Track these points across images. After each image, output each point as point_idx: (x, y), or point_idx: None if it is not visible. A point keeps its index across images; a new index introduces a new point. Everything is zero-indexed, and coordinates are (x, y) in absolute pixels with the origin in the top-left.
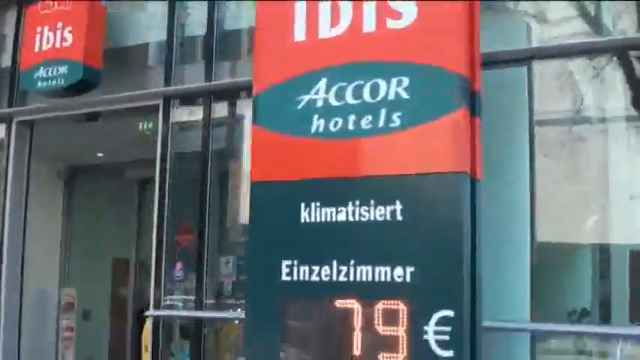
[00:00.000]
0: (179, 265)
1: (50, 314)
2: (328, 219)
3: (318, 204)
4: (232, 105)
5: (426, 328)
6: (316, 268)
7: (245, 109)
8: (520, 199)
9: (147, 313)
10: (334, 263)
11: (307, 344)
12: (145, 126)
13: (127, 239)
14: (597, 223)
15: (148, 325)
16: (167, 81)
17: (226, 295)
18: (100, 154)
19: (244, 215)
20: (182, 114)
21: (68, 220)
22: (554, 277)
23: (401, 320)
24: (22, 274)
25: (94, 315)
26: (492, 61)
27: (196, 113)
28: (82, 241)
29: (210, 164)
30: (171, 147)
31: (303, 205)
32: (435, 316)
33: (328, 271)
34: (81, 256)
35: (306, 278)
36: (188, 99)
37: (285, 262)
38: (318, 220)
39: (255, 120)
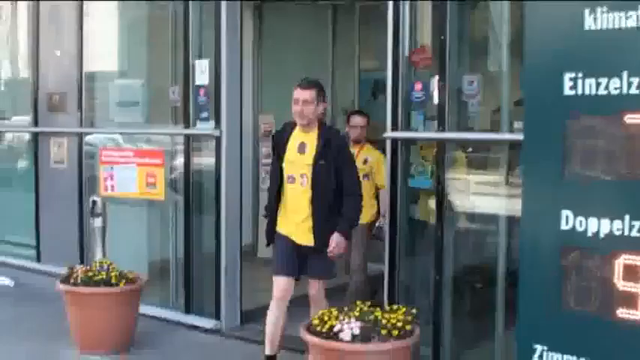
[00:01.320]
0: (418, 86)
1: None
2: (617, 25)
3: (604, 9)
4: None
5: None
6: (604, 81)
7: None
8: None
9: (385, 135)
10: (624, 75)
11: (593, 163)
12: None
13: (320, 67)
14: None
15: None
16: None
17: (470, 116)
18: None
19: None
20: None
21: (259, 48)
22: None
23: None
24: (241, 102)
25: None
26: None
27: None
28: (272, 70)
29: None
30: None
31: (587, 10)
32: None
33: (618, 84)
34: (272, 85)
35: (593, 92)
36: None
37: (568, 75)
38: (604, 26)
39: None
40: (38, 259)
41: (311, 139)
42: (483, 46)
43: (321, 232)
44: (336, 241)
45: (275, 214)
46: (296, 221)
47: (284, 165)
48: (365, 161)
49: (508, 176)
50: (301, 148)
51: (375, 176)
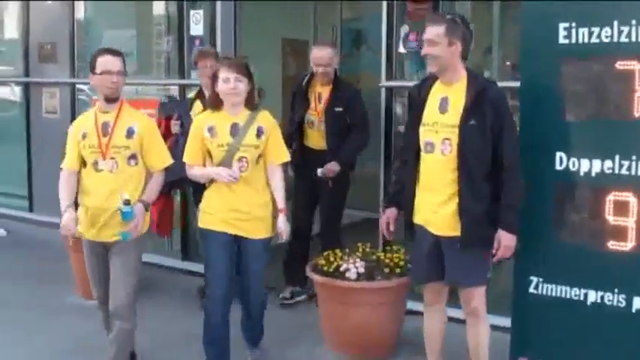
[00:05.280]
0: (412, 36)
1: None
2: None
3: None
4: None
5: None
6: (596, 30)
7: None
8: None
9: (381, 85)
10: (615, 23)
11: (585, 106)
12: None
13: (301, 18)
14: None
15: None
16: None
17: None
18: None
19: None
20: None
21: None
22: None
23: None
24: (235, 53)
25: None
26: None
27: None
28: (250, 22)
29: None
30: None
31: None
32: None
33: (609, 32)
34: (250, 36)
35: (586, 40)
36: None
37: (563, 25)
38: None
39: None
40: (30, 209)
41: (457, 93)
42: None
43: (473, 218)
44: (504, 241)
45: (412, 197)
46: (434, 204)
47: (421, 129)
48: None
49: None
50: (443, 105)
51: None
